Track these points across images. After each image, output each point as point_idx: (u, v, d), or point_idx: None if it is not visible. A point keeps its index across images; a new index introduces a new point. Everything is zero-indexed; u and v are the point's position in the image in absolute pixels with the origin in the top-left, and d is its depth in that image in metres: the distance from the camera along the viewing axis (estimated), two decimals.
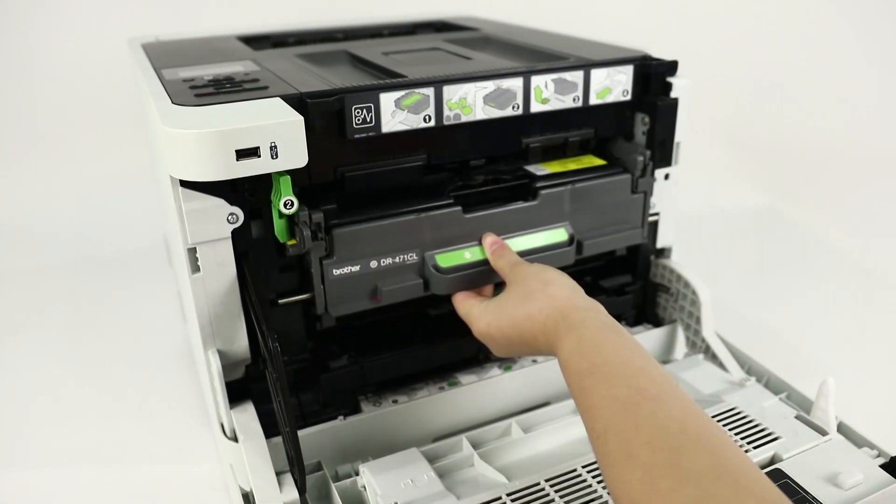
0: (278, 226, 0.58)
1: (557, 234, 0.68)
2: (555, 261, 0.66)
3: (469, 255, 0.64)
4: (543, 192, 0.67)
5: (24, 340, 0.96)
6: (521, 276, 0.58)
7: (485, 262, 0.64)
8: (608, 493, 0.42)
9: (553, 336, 0.52)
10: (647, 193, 0.72)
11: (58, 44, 1.36)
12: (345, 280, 0.60)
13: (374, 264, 0.61)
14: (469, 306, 0.61)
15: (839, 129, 1.42)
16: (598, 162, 0.72)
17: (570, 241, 0.68)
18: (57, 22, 1.36)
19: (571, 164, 0.71)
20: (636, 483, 0.39)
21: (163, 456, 0.74)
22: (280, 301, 0.63)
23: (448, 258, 0.64)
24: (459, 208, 0.64)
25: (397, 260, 0.62)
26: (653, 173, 0.72)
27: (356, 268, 0.61)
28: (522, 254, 0.65)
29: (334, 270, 0.60)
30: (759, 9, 1.49)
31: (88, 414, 0.81)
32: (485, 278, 0.64)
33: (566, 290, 0.55)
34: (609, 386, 0.45)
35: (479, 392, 0.69)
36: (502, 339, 0.57)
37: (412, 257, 0.63)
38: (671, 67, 0.70)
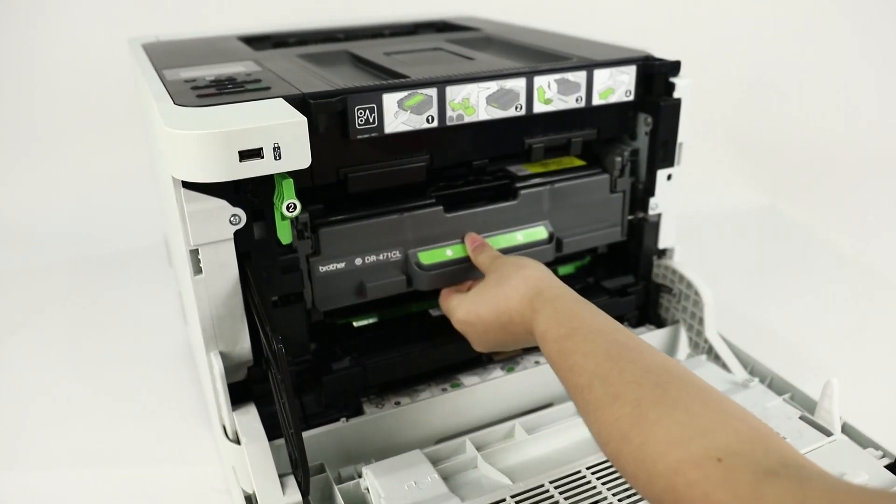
0: (281, 228, 0.58)
1: (537, 233, 0.71)
2: (535, 258, 0.69)
3: (450, 252, 0.67)
4: (523, 191, 0.70)
5: (24, 340, 0.96)
6: (499, 265, 0.60)
7: (465, 259, 0.67)
8: (593, 434, 0.43)
9: (529, 313, 0.54)
10: (626, 193, 0.75)
11: (58, 44, 1.36)
12: (331, 276, 0.63)
13: (358, 261, 0.64)
14: (450, 299, 0.63)
15: (839, 129, 1.42)
16: (578, 163, 0.75)
17: (550, 238, 0.71)
18: (57, 22, 1.35)
19: (552, 165, 0.73)
20: (626, 417, 0.40)
21: (163, 456, 0.74)
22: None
23: (430, 256, 0.66)
24: (441, 208, 0.66)
25: (381, 257, 0.65)
26: (631, 173, 0.74)
27: (342, 265, 0.63)
28: (503, 251, 0.68)
29: (320, 267, 0.63)
30: (759, 9, 1.49)
31: (88, 414, 0.81)
32: (466, 274, 0.67)
33: (540, 271, 0.57)
34: (590, 343, 0.47)
35: (481, 394, 0.69)
36: (480, 325, 0.59)
37: (396, 255, 0.65)
38: (674, 68, 0.70)
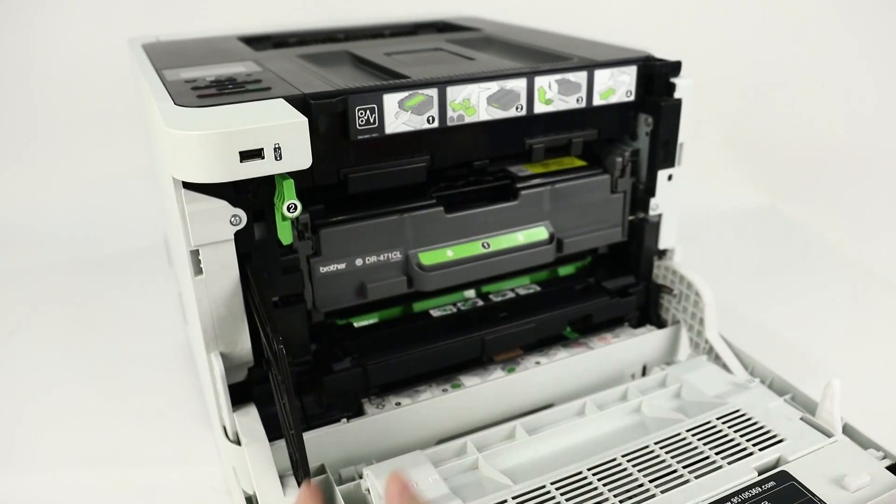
0: (281, 228, 0.58)
1: (538, 233, 0.71)
2: (535, 259, 0.70)
3: (451, 253, 0.67)
4: (524, 192, 0.70)
5: (23, 340, 0.96)
6: None
7: (467, 260, 0.67)
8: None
9: None
10: (627, 193, 0.75)
11: (58, 44, 1.36)
12: (331, 277, 0.63)
13: (359, 262, 0.64)
14: None
15: (839, 129, 1.42)
16: (579, 163, 0.75)
17: (551, 239, 0.71)
18: (57, 22, 1.35)
19: (552, 165, 0.73)
20: None
21: (163, 457, 0.74)
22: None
23: (431, 256, 0.66)
24: (441, 208, 0.66)
25: (382, 258, 0.65)
26: (632, 174, 0.74)
27: (342, 265, 0.63)
28: (503, 252, 0.68)
29: (321, 268, 0.63)
30: (759, 9, 1.49)
31: (88, 414, 0.81)
32: (466, 275, 0.67)
33: None
34: None
35: (482, 394, 0.69)
36: None
37: (396, 255, 0.66)
38: (675, 68, 0.70)
